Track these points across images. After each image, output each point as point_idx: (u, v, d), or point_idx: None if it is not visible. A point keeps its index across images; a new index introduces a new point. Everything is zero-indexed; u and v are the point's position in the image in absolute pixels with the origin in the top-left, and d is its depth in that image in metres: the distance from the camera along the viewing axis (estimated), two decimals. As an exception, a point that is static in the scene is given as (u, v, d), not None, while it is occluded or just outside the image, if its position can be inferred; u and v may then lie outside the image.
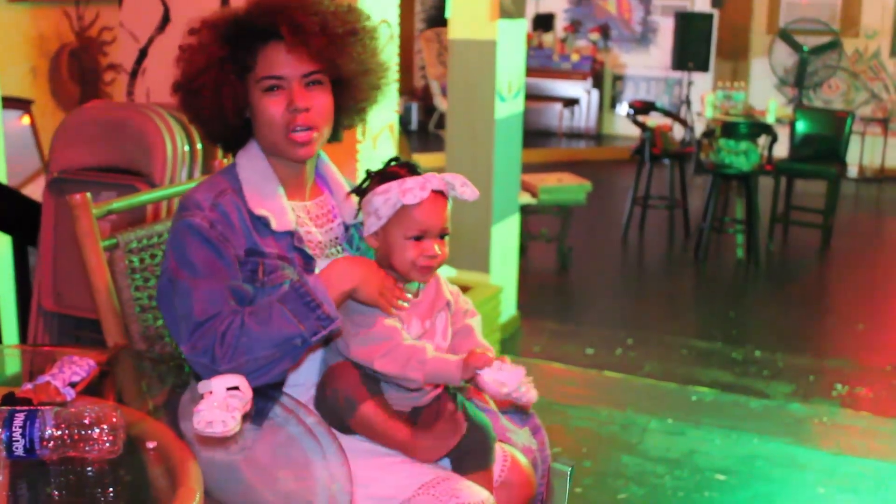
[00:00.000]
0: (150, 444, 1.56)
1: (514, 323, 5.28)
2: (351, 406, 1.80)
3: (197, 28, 1.92)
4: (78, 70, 6.15)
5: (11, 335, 3.65)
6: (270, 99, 1.87)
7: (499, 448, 1.96)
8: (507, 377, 1.74)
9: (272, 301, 1.79)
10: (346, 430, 1.84)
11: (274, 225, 1.88)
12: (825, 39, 10.02)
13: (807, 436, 3.80)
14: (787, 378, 4.67)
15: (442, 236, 1.85)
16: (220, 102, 1.87)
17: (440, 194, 1.84)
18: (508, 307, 5.21)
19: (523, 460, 1.99)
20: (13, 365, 2.19)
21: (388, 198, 1.82)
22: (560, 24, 11.92)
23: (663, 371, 4.71)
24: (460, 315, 1.99)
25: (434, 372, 1.77)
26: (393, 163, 1.90)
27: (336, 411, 1.82)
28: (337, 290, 1.79)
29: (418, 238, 1.83)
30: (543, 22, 11.83)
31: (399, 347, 1.78)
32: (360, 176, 1.96)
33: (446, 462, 1.89)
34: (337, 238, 2.01)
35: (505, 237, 5.12)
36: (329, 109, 1.93)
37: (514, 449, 2.00)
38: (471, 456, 1.87)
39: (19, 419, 1.46)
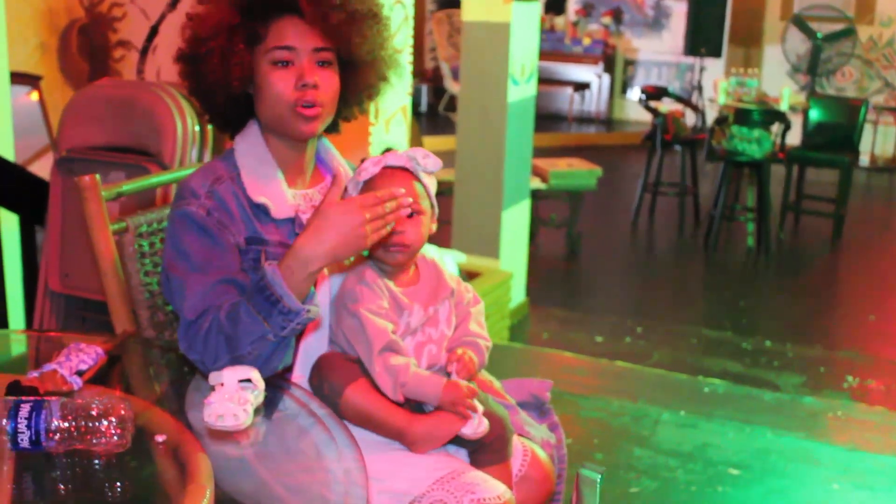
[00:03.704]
0: (159, 438, 1.51)
1: (522, 309, 5.23)
2: (336, 393, 1.77)
3: None
4: (87, 46, 6.09)
5: (18, 315, 3.62)
6: (279, 72, 1.80)
7: (518, 442, 1.93)
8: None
9: (242, 299, 1.70)
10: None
11: (273, 212, 1.83)
12: (839, 26, 9.92)
13: (821, 430, 3.76)
14: (797, 369, 4.63)
15: (411, 214, 1.84)
16: (226, 71, 1.80)
17: (406, 171, 1.85)
18: (518, 293, 5.17)
19: (543, 455, 1.96)
20: (18, 350, 2.15)
21: (356, 181, 1.85)
22: (572, 7, 11.84)
23: (672, 360, 4.67)
24: (462, 304, 1.97)
25: (413, 393, 1.78)
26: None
27: (326, 401, 1.78)
28: (301, 275, 1.64)
29: None
30: (555, 5, 11.76)
31: (387, 358, 1.77)
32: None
33: (464, 455, 1.85)
34: None
35: (515, 223, 5.07)
36: (336, 91, 1.86)
37: (533, 444, 1.96)
38: (488, 449, 1.84)
39: (25, 410, 1.41)
